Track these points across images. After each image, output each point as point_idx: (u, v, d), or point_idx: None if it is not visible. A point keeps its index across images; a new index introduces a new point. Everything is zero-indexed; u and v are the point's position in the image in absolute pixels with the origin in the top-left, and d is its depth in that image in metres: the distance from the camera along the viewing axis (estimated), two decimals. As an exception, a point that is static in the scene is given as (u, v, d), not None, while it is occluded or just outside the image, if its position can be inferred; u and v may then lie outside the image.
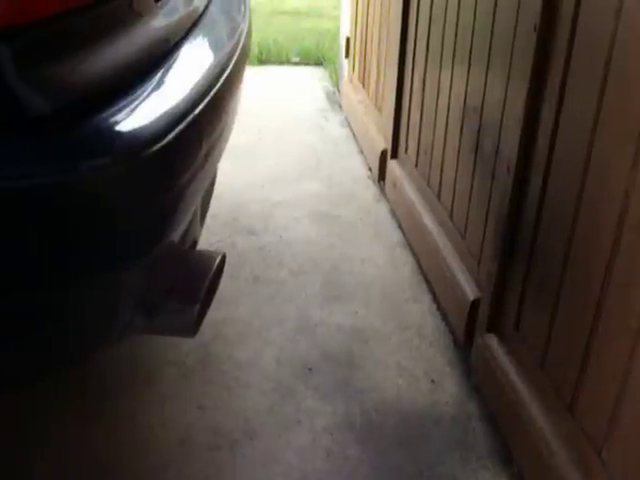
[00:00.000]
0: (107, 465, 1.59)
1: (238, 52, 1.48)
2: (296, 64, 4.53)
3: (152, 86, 1.04)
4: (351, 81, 3.52)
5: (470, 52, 1.92)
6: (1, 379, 1.09)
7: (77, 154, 0.90)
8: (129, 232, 0.98)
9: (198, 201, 1.34)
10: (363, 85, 3.27)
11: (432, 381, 1.87)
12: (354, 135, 3.38)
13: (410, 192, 2.45)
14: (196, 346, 1.92)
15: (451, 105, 2.08)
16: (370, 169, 3.03)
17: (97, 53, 0.98)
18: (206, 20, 1.48)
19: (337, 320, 2.09)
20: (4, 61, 0.87)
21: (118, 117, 0.94)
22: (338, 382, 1.85)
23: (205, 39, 1.41)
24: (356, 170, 3.07)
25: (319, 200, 2.79)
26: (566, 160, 1.42)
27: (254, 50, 4.44)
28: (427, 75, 2.30)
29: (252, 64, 4.30)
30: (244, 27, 1.64)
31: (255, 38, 4.42)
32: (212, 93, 1.19)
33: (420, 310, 2.15)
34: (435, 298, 2.19)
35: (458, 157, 2.03)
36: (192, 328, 1.24)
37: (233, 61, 1.41)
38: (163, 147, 0.94)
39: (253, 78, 3.94)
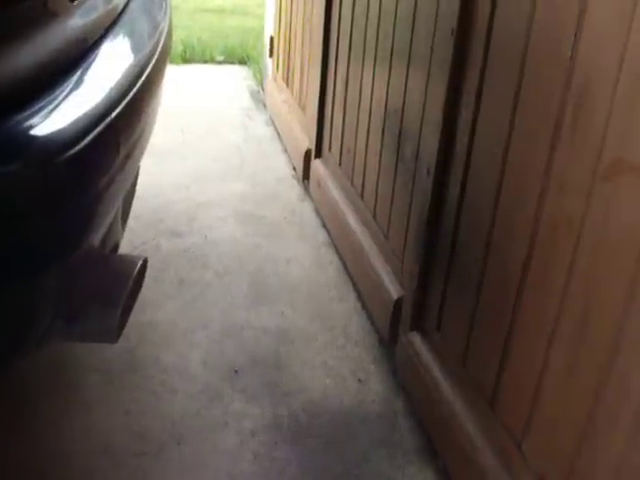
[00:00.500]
0: (29, 475, 1.55)
1: (159, 51, 1.46)
2: (220, 63, 4.50)
3: (68, 88, 1.02)
4: (275, 80, 3.52)
5: (391, 54, 1.94)
6: None
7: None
8: (44, 238, 0.95)
9: (118, 204, 1.32)
10: (287, 84, 3.27)
11: (359, 380, 1.89)
12: (278, 134, 3.38)
13: (334, 192, 2.47)
14: (121, 351, 1.88)
15: (373, 107, 2.11)
16: (294, 168, 3.03)
17: (9, 55, 0.95)
18: (126, 18, 1.45)
19: (263, 321, 2.09)
20: None
21: (32, 121, 0.91)
22: (265, 384, 1.85)
23: (125, 38, 1.39)
24: (280, 169, 3.07)
25: (244, 200, 2.78)
26: (483, 164, 1.46)
27: (178, 48, 4.38)
28: (350, 76, 2.32)
29: (176, 63, 4.25)
30: (165, 25, 1.61)
31: (179, 36, 4.38)
32: (131, 94, 1.17)
33: (345, 309, 2.17)
34: (360, 297, 2.21)
35: (380, 158, 2.06)
36: (114, 334, 1.21)
37: (153, 60, 1.39)
38: (79, 151, 0.92)
39: (177, 77, 3.90)
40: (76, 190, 0.97)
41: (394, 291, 1.92)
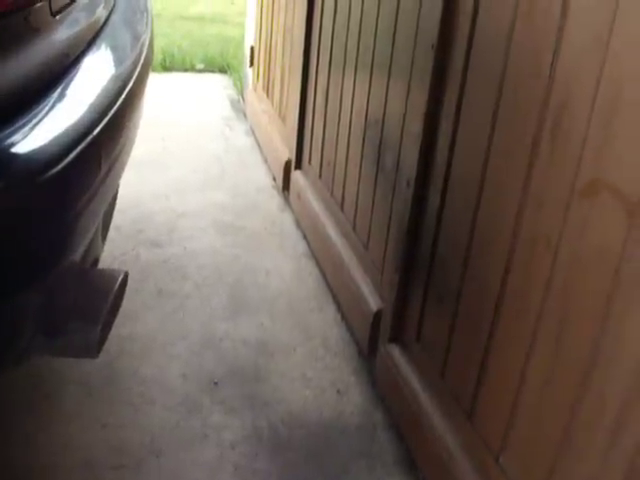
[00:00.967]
0: (5, 490, 1.54)
1: (141, 63, 1.46)
2: (201, 71, 4.49)
3: (49, 105, 1.02)
4: (255, 90, 3.53)
5: (372, 65, 1.96)
6: None
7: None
8: (26, 256, 0.95)
9: (99, 219, 1.31)
10: (267, 95, 3.28)
11: (338, 391, 1.89)
12: (259, 144, 3.38)
13: (314, 203, 2.48)
14: (100, 363, 1.87)
15: (353, 118, 2.12)
16: (274, 179, 3.04)
17: (-10, 72, 0.95)
18: (108, 31, 1.45)
19: (242, 333, 2.09)
20: None
21: (13, 139, 0.91)
22: (244, 396, 1.85)
23: (107, 51, 1.39)
24: (261, 180, 3.07)
25: (224, 210, 2.78)
26: (463, 177, 1.47)
27: (158, 57, 4.37)
28: (330, 87, 2.33)
29: (156, 71, 4.24)
30: (146, 37, 1.62)
31: (159, 44, 4.36)
32: (114, 109, 1.17)
33: (325, 321, 2.18)
34: (340, 308, 2.22)
35: (360, 170, 2.07)
36: (94, 349, 1.21)
37: (136, 73, 1.39)
38: (61, 170, 0.92)
39: (157, 85, 3.88)
40: (58, 208, 0.97)
41: (374, 303, 1.93)
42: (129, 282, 1.44)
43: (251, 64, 3.58)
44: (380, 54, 1.90)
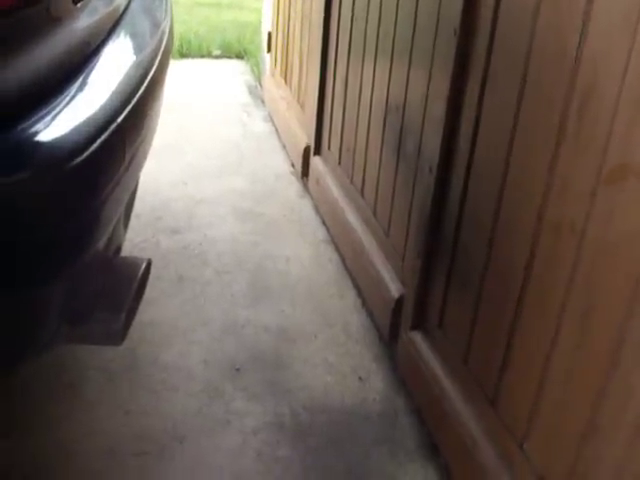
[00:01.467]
0: (31, 476, 1.55)
1: (161, 50, 1.46)
2: (218, 57, 4.48)
3: (73, 94, 1.01)
4: (273, 76, 3.51)
5: (392, 51, 1.94)
6: None
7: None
8: (53, 245, 0.95)
9: (123, 207, 1.32)
10: (285, 81, 3.26)
11: (359, 378, 1.89)
12: (277, 130, 3.37)
13: (334, 189, 2.47)
14: (121, 350, 1.87)
15: (373, 103, 2.11)
16: (293, 165, 3.03)
17: (13, 62, 0.94)
18: (128, 19, 1.44)
19: (263, 319, 2.09)
20: None
21: (36, 128, 0.91)
22: (266, 382, 1.86)
23: (127, 39, 1.38)
24: (279, 166, 3.06)
25: (242, 197, 2.77)
26: (486, 162, 1.46)
27: (175, 43, 4.35)
28: (350, 72, 2.32)
29: (173, 57, 4.20)
30: (166, 24, 1.61)
31: (176, 30, 4.34)
32: (136, 98, 1.16)
33: (346, 307, 2.18)
34: (360, 294, 2.21)
35: (381, 155, 2.06)
36: (119, 336, 1.22)
37: (157, 61, 1.38)
38: (86, 158, 0.92)
39: (174, 72, 3.88)
40: (84, 196, 0.97)
41: (395, 289, 1.92)
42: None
43: (268, 50, 3.57)
44: (401, 39, 1.88)
